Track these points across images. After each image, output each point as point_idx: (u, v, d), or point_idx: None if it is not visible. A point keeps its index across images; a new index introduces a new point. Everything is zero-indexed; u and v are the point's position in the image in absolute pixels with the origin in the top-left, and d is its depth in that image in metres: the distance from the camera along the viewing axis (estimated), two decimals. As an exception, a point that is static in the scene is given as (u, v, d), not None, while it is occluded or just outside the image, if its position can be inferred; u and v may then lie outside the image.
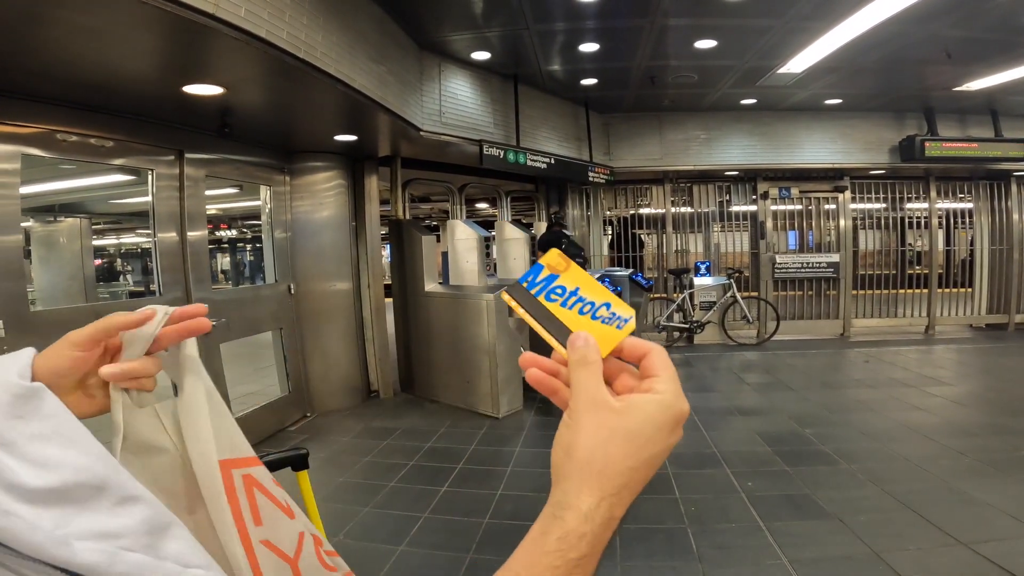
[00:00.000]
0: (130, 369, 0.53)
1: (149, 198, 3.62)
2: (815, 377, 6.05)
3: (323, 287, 5.22)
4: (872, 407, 4.86)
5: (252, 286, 5.43)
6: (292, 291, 5.04)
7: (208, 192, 4.12)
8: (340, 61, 3.28)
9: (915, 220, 8.51)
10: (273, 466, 1.26)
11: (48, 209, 5.19)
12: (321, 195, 5.18)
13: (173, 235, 3.78)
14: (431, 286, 5.38)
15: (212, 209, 6.64)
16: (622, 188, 8.47)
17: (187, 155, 3.81)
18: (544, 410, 5.04)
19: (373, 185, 5.54)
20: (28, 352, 0.52)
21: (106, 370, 0.53)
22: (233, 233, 7.37)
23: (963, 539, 2.68)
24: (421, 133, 4.74)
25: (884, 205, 8.47)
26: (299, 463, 1.27)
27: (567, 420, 0.46)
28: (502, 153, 5.42)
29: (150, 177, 3.61)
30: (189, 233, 3.83)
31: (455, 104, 5.15)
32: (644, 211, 8.55)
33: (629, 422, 0.44)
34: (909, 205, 8.46)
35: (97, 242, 6.00)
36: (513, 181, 6.97)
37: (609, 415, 0.44)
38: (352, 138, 4.61)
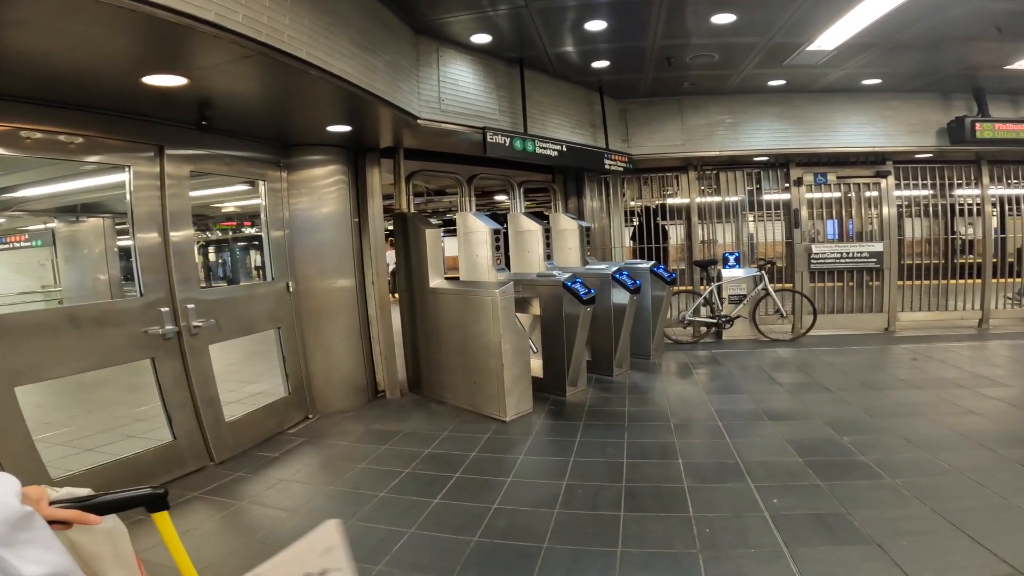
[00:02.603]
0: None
1: (127, 197, 3.47)
2: (855, 377, 5.55)
3: (324, 284, 5.03)
4: (920, 411, 4.39)
5: (246, 284, 5.29)
6: (291, 289, 4.87)
7: (197, 192, 3.95)
8: (314, 46, 3.04)
9: (966, 206, 7.85)
10: (121, 506, 1.01)
11: (70, 210, 5.16)
12: (321, 190, 4.99)
13: (155, 235, 3.62)
14: (436, 282, 5.14)
15: (229, 207, 6.54)
16: (646, 178, 8.08)
17: (168, 151, 3.63)
18: (555, 413, 4.74)
19: (376, 178, 5.33)
20: (14, 482, 0.83)
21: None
22: (230, 232, 7.29)
23: (1021, 567, 2.28)
24: (418, 121, 4.49)
25: (932, 192, 7.85)
26: (155, 503, 1.03)
27: None
28: (508, 140, 5.13)
29: (127, 175, 3.45)
30: (172, 233, 3.67)
31: (455, 90, 4.88)
32: (670, 201, 8.13)
33: None
34: (959, 191, 7.82)
35: (122, 242, 5.99)
36: (526, 171, 6.62)
37: None
38: (346, 128, 4.38)
